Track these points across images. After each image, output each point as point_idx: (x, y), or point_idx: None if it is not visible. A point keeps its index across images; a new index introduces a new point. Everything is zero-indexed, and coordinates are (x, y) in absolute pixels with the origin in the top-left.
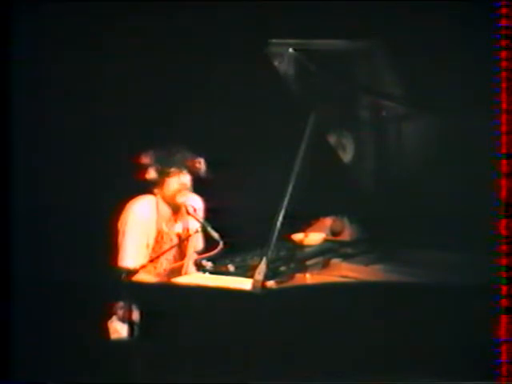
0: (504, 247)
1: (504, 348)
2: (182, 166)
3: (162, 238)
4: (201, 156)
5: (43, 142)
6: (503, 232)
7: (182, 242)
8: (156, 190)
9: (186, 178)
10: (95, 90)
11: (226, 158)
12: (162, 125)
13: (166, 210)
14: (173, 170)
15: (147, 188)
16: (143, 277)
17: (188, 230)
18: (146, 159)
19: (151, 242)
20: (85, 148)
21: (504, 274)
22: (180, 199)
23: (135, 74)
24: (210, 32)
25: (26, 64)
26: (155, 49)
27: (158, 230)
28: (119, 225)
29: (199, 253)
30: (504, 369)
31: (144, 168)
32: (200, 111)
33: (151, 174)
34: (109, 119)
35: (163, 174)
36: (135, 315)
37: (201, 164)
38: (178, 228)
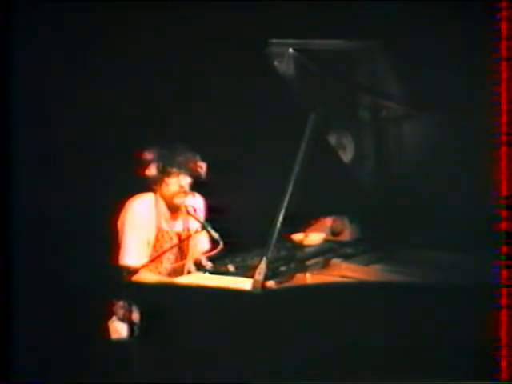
0: (504, 247)
1: (504, 348)
2: (184, 168)
3: (163, 236)
4: (201, 157)
5: (43, 141)
6: (503, 232)
7: (183, 241)
8: (155, 188)
9: (185, 181)
10: (95, 90)
11: (226, 157)
12: (162, 125)
13: (165, 209)
14: (174, 170)
15: (147, 186)
16: (146, 275)
17: (188, 230)
18: (148, 155)
19: (152, 239)
20: (85, 147)
21: (504, 274)
22: (177, 200)
23: (135, 74)
24: (210, 32)
25: (26, 64)
26: (155, 49)
27: (157, 228)
28: (119, 223)
29: (205, 253)
30: (504, 369)
31: (145, 164)
32: (200, 111)
33: (152, 170)
34: (109, 118)
35: (164, 173)
36: (135, 315)
37: (202, 168)
38: (179, 227)
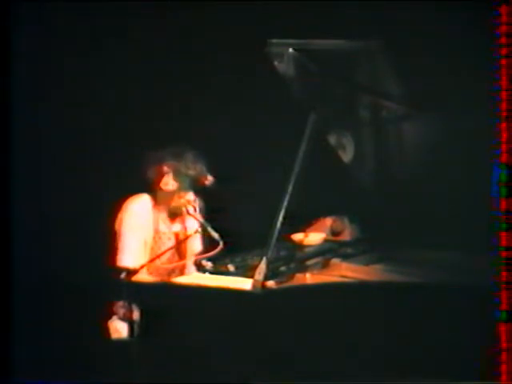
0: (504, 247)
1: (504, 348)
2: (194, 185)
3: (160, 238)
4: (199, 155)
5: (43, 143)
6: (503, 232)
7: (182, 241)
8: (163, 200)
9: (193, 195)
10: (95, 90)
11: (226, 157)
12: (161, 125)
13: (164, 213)
14: (188, 187)
15: (145, 187)
16: (143, 276)
17: (186, 230)
18: (166, 169)
19: (149, 240)
20: (84, 148)
21: (503, 274)
22: (182, 209)
23: (134, 75)
24: (210, 32)
25: (26, 64)
26: (155, 49)
27: (155, 229)
28: (116, 224)
29: (197, 255)
30: (504, 369)
31: (160, 176)
32: (199, 111)
33: (168, 185)
34: (108, 119)
35: (180, 190)
36: (135, 315)
37: (209, 181)
38: (177, 228)
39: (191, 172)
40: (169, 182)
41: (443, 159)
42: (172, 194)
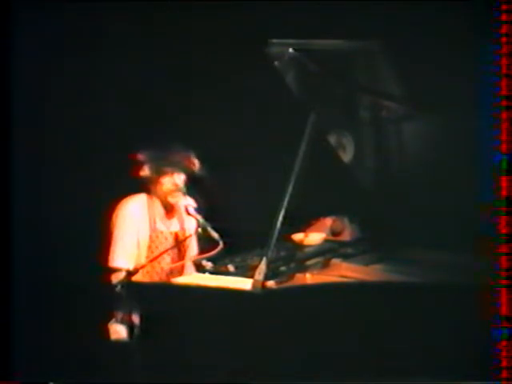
0: (504, 247)
1: (504, 348)
2: (177, 166)
3: (157, 237)
4: (199, 156)
5: (43, 143)
6: (503, 232)
7: (181, 242)
8: (150, 188)
9: (179, 179)
10: (95, 91)
11: (226, 157)
12: (162, 125)
13: (160, 209)
14: (167, 169)
15: (142, 186)
16: (142, 277)
17: (185, 231)
18: (141, 156)
19: (143, 241)
20: (84, 148)
21: (503, 274)
22: (172, 200)
23: (134, 74)
24: (210, 32)
25: (26, 64)
26: (155, 49)
27: (151, 228)
28: (110, 225)
29: (196, 255)
30: (504, 369)
31: (139, 165)
32: (200, 111)
33: (146, 171)
34: (108, 119)
35: (158, 173)
36: (135, 316)
37: (195, 165)
38: (174, 227)
39: (172, 157)
40: (145, 169)
41: (443, 159)
42: (156, 179)
